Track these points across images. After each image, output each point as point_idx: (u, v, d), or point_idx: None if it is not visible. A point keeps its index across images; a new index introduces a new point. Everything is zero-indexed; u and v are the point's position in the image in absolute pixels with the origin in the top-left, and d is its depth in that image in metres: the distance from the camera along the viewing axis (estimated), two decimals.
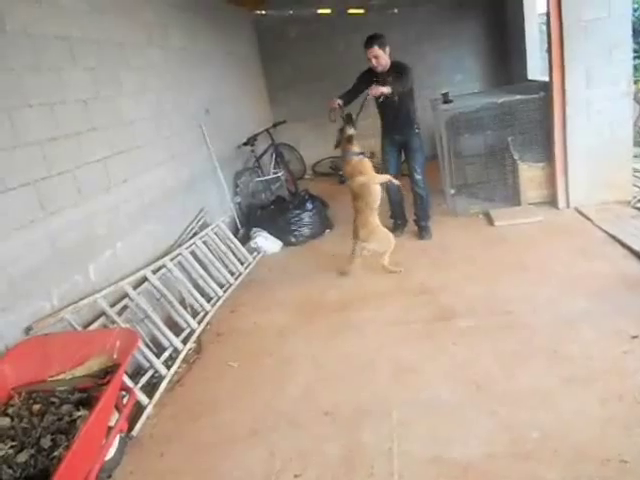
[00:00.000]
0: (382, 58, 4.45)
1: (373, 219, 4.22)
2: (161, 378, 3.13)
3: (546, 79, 5.01)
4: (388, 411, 2.57)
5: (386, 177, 4.40)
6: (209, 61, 6.03)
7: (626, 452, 2.08)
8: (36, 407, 2.19)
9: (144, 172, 4.08)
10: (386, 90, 4.21)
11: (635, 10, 7.96)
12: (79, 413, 2.10)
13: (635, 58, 5.81)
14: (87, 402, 2.17)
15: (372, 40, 4.42)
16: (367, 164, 4.25)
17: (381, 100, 4.44)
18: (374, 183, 4.20)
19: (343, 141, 4.30)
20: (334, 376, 2.98)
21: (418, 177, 4.86)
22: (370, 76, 4.56)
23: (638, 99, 6.63)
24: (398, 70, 4.47)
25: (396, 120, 4.74)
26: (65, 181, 3.12)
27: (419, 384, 2.76)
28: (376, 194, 4.19)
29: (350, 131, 4.28)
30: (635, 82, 5.94)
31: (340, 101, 4.49)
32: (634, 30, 5.02)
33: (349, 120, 4.32)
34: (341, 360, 3.14)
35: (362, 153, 4.27)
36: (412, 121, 4.78)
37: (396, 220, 5.14)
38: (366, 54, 4.46)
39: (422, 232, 4.95)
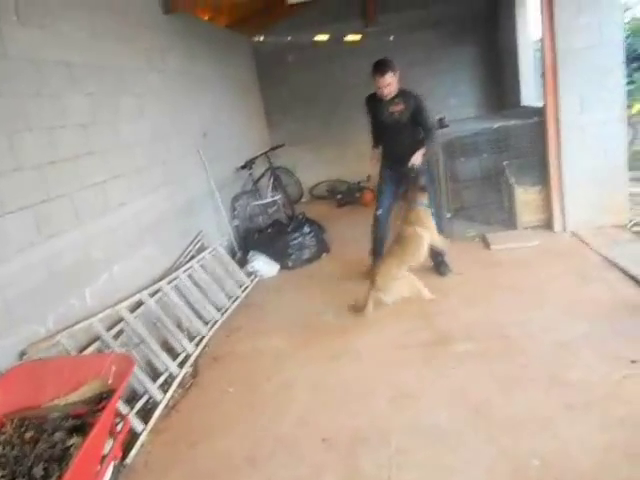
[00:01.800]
0: (393, 85, 4.15)
1: (397, 271, 3.93)
2: (156, 403, 3.09)
3: (539, 105, 5.08)
4: (387, 438, 2.54)
5: (441, 241, 4.21)
6: (208, 85, 6.10)
7: (628, 479, 2.05)
8: (28, 434, 2.15)
9: (142, 195, 4.09)
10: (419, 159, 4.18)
11: (627, 37, 8.12)
12: (72, 440, 2.06)
13: (628, 84, 5.89)
14: (81, 429, 2.13)
15: (385, 67, 4.08)
16: (430, 218, 4.16)
17: (388, 123, 4.29)
18: (429, 240, 4.06)
19: (415, 189, 4.19)
20: (332, 401, 2.95)
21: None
22: (376, 103, 4.32)
23: (632, 124, 6.73)
24: (406, 96, 4.22)
25: (400, 153, 4.31)
26: (63, 204, 3.12)
27: (418, 410, 2.73)
28: (423, 251, 4.03)
29: (422, 181, 4.23)
30: (628, 107, 6.03)
31: (378, 151, 4.53)
32: (627, 56, 5.12)
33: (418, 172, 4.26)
34: (339, 385, 3.11)
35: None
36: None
37: (376, 257, 4.65)
38: (376, 82, 4.12)
39: (441, 267, 4.54)
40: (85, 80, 3.54)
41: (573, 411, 2.51)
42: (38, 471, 1.97)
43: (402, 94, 4.22)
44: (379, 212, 4.55)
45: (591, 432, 2.35)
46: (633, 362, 2.79)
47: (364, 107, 4.48)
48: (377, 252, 4.67)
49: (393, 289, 3.91)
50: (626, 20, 9.04)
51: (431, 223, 4.14)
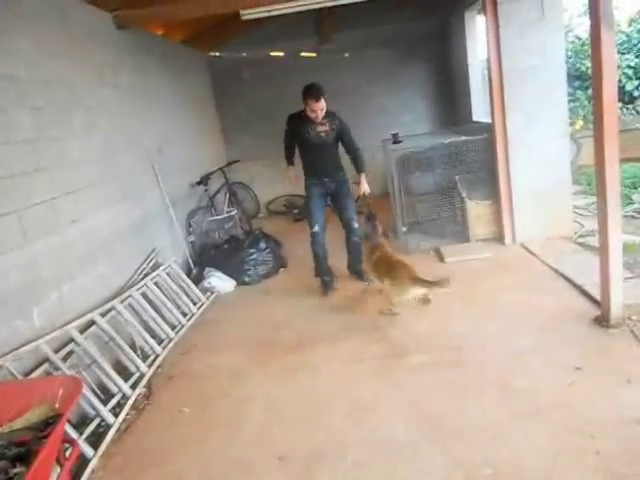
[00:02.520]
0: (324, 109, 4.34)
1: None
2: (108, 427, 3.00)
3: (489, 121, 5.26)
4: (343, 452, 2.54)
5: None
6: (162, 101, 6.04)
7: None
8: None
9: (94, 213, 4.00)
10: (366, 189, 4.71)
11: (569, 57, 8.52)
12: (16, 470, 1.96)
13: (570, 101, 6.18)
14: (25, 457, 2.04)
15: (319, 93, 4.24)
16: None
17: (315, 143, 4.47)
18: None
19: (372, 224, 4.52)
20: (289, 417, 2.94)
21: (356, 225, 4.70)
22: (301, 123, 4.45)
23: (575, 139, 7.04)
24: (331, 117, 4.46)
25: (328, 167, 4.61)
26: (9, 223, 3.01)
27: (374, 423, 2.75)
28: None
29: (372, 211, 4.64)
30: (571, 124, 6.32)
31: (294, 168, 4.78)
32: (569, 75, 5.37)
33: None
34: (296, 401, 3.10)
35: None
36: (342, 166, 4.72)
37: (324, 277, 4.79)
38: (311, 106, 4.26)
39: (364, 276, 4.77)
40: (32, 95, 3.44)
41: (523, 419, 2.58)
42: None
43: (328, 115, 4.43)
44: (316, 229, 4.63)
45: (540, 439, 2.42)
46: (578, 369, 2.90)
47: (287, 124, 4.60)
48: (323, 271, 4.78)
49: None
50: (569, 40, 9.50)
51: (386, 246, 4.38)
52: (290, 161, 4.78)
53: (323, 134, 4.47)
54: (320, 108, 4.27)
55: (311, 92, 4.24)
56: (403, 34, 8.21)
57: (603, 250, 3.25)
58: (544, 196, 5.01)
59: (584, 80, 8.48)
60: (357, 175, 4.76)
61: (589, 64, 7.62)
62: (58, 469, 2.17)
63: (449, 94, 8.42)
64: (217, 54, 8.39)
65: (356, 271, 4.90)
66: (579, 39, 9.68)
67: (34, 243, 3.21)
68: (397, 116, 8.40)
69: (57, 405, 2.22)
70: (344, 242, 4.85)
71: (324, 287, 4.74)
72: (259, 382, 3.38)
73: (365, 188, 4.70)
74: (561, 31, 5.00)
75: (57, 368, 3.00)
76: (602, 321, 3.34)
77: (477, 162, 5.39)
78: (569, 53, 8.78)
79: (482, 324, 3.66)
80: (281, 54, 8.39)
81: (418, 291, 3.86)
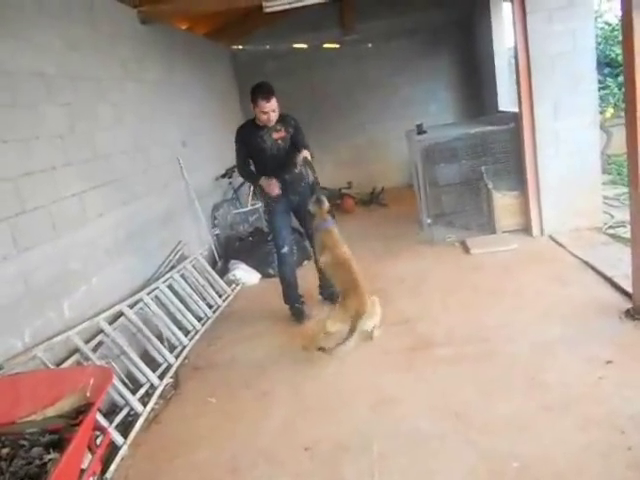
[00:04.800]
0: (277, 110, 3.82)
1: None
2: (137, 416, 3.06)
3: (516, 110, 5.17)
4: (369, 444, 2.54)
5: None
6: (186, 94, 6.09)
7: (606, 479, 2.09)
8: (4, 451, 2.10)
9: (121, 206, 4.06)
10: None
11: (599, 44, 8.29)
12: (50, 456, 2.02)
13: (600, 89, 6.01)
14: (58, 444, 2.10)
15: (269, 91, 3.75)
16: (337, 236, 3.82)
17: (273, 152, 3.93)
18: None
19: (317, 208, 3.85)
20: (314, 409, 2.95)
21: None
22: (253, 133, 3.92)
23: (605, 128, 6.86)
24: (285, 121, 3.94)
25: (292, 180, 4.03)
26: (40, 216, 3.08)
27: (400, 415, 2.74)
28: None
29: (319, 195, 3.91)
30: (601, 112, 6.16)
31: (264, 177, 3.92)
32: (598, 62, 5.23)
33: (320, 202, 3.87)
34: (321, 392, 3.11)
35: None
36: (301, 172, 4.05)
37: (295, 304, 4.25)
38: (261, 107, 3.73)
39: (335, 296, 4.01)
40: (61, 90, 3.51)
41: (551, 412, 2.54)
42: None
43: (282, 120, 3.92)
44: (285, 250, 4.13)
45: (568, 433, 2.38)
46: (608, 363, 2.84)
47: (237, 138, 4.03)
48: (294, 298, 4.26)
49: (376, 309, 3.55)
50: (599, 26, 9.24)
51: (340, 240, 3.80)
52: (255, 175, 4.04)
53: (280, 141, 3.94)
54: (272, 109, 3.76)
55: (261, 90, 3.75)
56: (427, 23, 8.11)
57: (635, 241, 3.17)
58: (573, 186, 4.89)
59: (614, 67, 8.23)
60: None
61: (619, 51, 7.42)
62: (90, 456, 2.22)
63: (474, 83, 8.29)
64: (240, 47, 8.41)
65: (330, 293, 4.28)
66: (609, 25, 9.40)
67: (63, 236, 3.28)
68: (422, 107, 8.31)
69: (88, 394, 2.27)
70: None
71: (297, 316, 4.18)
72: (284, 373, 3.40)
73: (305, 154, 3.86)
74: (591, 17, 4.85)
75: (87, 358, 3.07)
76: (634, 314, 3.26)
77: (503, 152, 5.29)
78: (599, 39, 8.54)
79: (510, 316, 3.61)
80: (304, 46, 8.37)
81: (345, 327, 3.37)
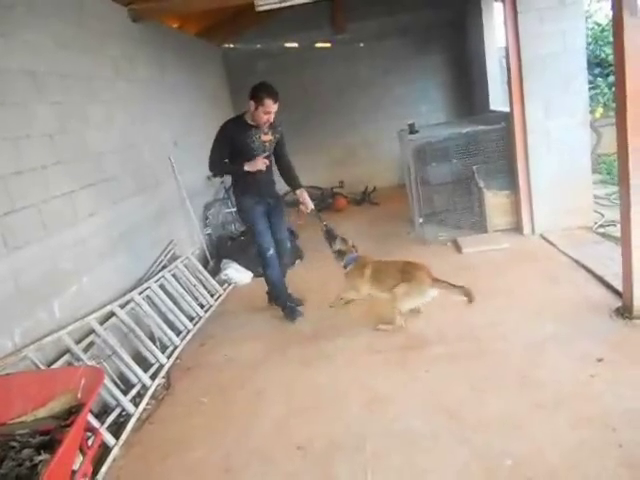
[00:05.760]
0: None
1: None
2: (129, 416, 3.04)
3: (507, 109, 5.19)
4: (362, 443, 2.54)
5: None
6: (178, 94, 6.06)
7: (599, 476, 2.10)
8: None
9: (112, 205, 4.03)
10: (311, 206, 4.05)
11: (589, 44, 8.35)
12: (40, 457, 2.00)
13: (590, 89, 6.05)
14: (49, 445, 2.08)
15: (277, 92, 3.72)
16: (359, 279, 3.90)
17: (259, 154, 3.89)
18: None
19: (337, 245, 4.01)
20: (307, 408, 2.94)
21: (289, 245, 4.44)
22: (241, 130, 3.87)
23: (595, 128, 6.91)
24: (273, 126, 3.93)
25: (269, 182, 4.11)
26: (30, 215, 3.05)
27: (392, 414, 2.75)
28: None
29: (334, 231, 4.06)
30: (591, 112, 6.20)
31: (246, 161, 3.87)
32: (589, 62, 5.26)
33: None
34: (314, 391, 3.11)
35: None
36: (275, 182, 4.19)
37: (288, 304, 4.26)
38: (265, 107, 3.69)
39: (296, 309, 4.25)
40: (51, 89, 3.48)
41: (543, 410, 2.56)
42: None
43: (271, 123, 3.88)
44: (270, 253, 4.10)
45: (561, 430, 2.40)
46: (599, 360, 2.86)
47: (222, 133, 3.94)
48: (284, 299, 4.27)
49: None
50: (589, 26, 9.29)
51: (367, 256, 4.02)
52: (236, 164, 3.90)
53: (267, 144, 3.94)
54: (274, 111, 3.75)
55: (267, 89, 3.69)
56: (418, 23, 8.13)
57: (625, 240, 3.19)
58: (564, 185, 4.92)
59: (604, 67, 8.30)
60: (294, 192, 4.18)
61: (609, 51, 7.48)
62: (81, 457, 2.20)
63: (466, 83, 8.32)
64: (232, 46, 8.39)
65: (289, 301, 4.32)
66: (599, 25, 9.47)
67: (54, 236, 3.25)
68: (414, 106, 8.34)
69: (79, 395, 2.25)
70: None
71: (291, 314, 4.19)
72: (276, 372, 3.39)
73: (310, 204, 4.08)
74: (581, 17, 4.89)
75: (78, 359, 3.04)
76: (624, 312, 3.29)
77: (495, 152, 5.32)
78: (589, 39, 8.61)
79: (501, 315, 3.62)
80: (295, 45, 8.35)
81: (435, 294, 3.61)
